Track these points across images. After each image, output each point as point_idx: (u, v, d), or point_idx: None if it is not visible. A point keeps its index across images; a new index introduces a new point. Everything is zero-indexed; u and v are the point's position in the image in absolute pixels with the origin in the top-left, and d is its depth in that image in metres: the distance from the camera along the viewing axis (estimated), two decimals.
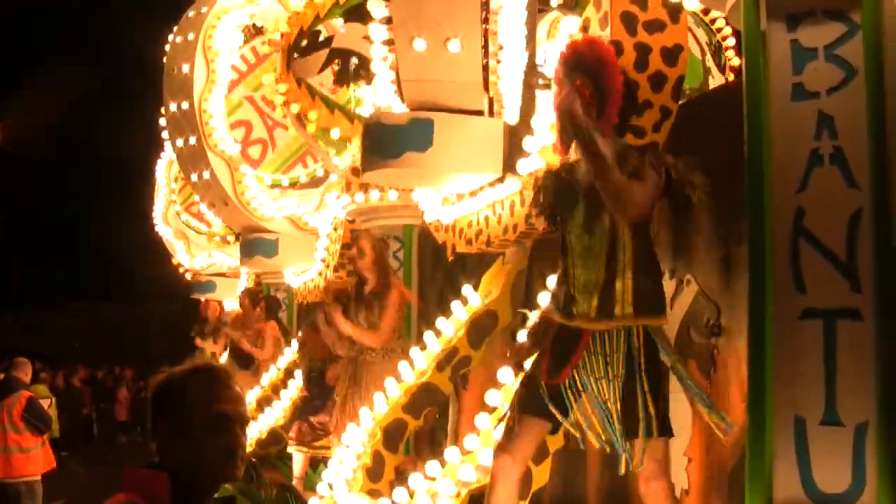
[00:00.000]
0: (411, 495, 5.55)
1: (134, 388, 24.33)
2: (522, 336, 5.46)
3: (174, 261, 15.83)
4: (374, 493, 6.54)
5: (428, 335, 7.21)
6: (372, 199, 8.63)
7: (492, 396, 5.43)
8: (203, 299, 16.63)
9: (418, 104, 6.15)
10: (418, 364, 7.04)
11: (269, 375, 11.45)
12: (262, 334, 11.76)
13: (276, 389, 11.30)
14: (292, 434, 9.14)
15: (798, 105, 4.03)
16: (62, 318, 32.33)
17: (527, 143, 5.81)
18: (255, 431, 10.02)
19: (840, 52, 3.95)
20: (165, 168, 15.61)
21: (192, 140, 10.43)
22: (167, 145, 15.64)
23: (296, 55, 8.58)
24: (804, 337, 3.88)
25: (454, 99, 6.08)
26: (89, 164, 33.03)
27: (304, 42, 8.64)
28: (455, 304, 7.17)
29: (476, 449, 5.24)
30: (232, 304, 16.00)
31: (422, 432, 7.66)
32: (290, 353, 11.63)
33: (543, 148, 5.75)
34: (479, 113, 6.22)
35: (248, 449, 10.22)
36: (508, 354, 4.64)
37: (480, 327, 6.98)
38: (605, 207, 4.41)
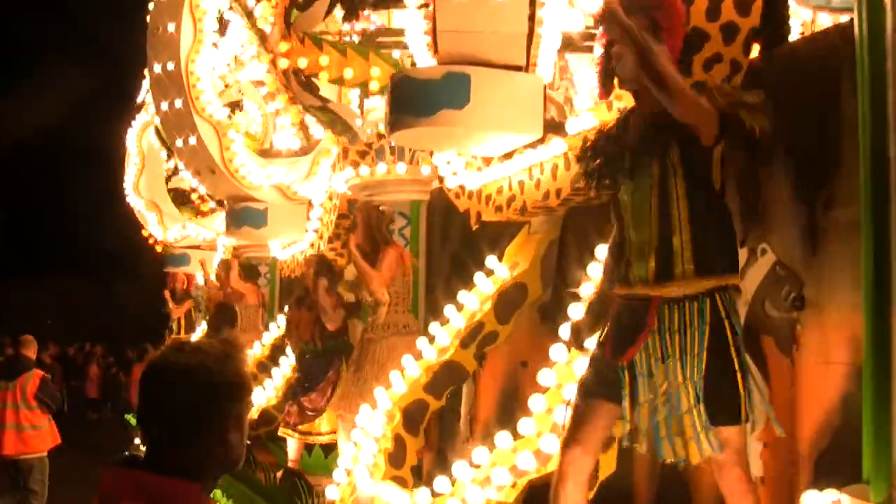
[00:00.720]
0: (453, 483, 5.07)
1: (104, 365, 23.91)
2: (575, 312, 5.02)
3: (145, 233, 15.16)
4: (398, 481, 6.08)
5: (449, 309, 6.74)
6: (378, 172, 8.13)
7: (545, 376, 4.96)
8: (171, 273, 16.08)
9: (453, 58, 5.64)
10: (439, 340, 6.57)
11: (254, 352, 10.93)
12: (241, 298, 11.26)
13: (261, 367, 10.79)
14: (284, 417, 8.61)
15: None
16: (32, 295, 31.63)
17: (578, 101, 5.33)
18: None
19: None
20: (136, 137, 14.94)
21: (178, 103, 9.81)
22: (138, 115, 15.11)
23: (295, 11, 8.06)
24: None
25: (494, 52, 5.58)
26: (57, 141, 32.14)
27: None
28: (478, 276, 6.70)
29: (530, 434, 4.77)
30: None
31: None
32: (275, 328, 11.13)
33: (596, 105, 5.28)
34: (518, 68, 5.72)
35: None
36: (569, 334, 4.13)
37: (508, 301, 6.52)
38: (653, 157, 3.94)
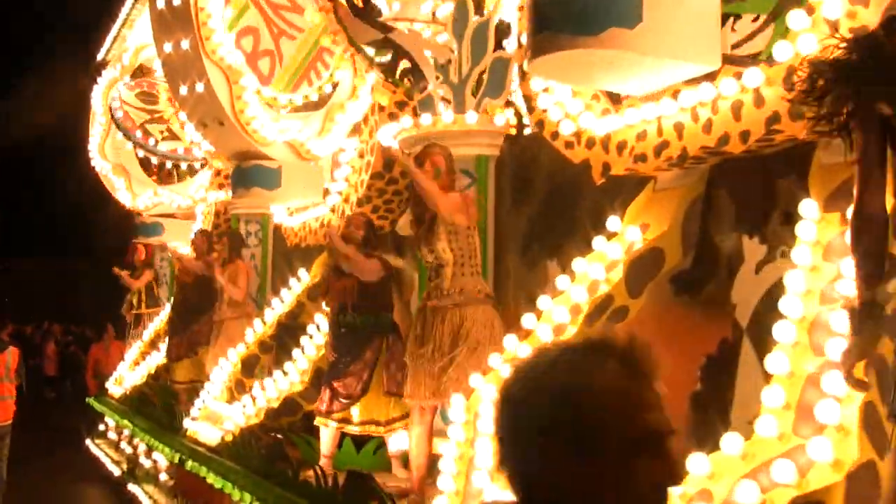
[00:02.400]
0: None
1: (63, 343, 22.89)
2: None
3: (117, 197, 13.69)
4: None
5: (562, 280, 5.64)
6: (444, 121, 6.93)
7: (776, 361, 3.89)
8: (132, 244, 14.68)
9: None
10: (555, 316, 5.46)
11: (256, 330, 9.68)
12: (231, 273, 9.98)
13: (264, 347, 9.57)
14: (317, 404, 7.40)
15: None
16: None
17: (794, 19, 4.27)
18: (263, 400, 8.27)
19: None
20: (102, 95, 13.48)
21: (185, 44, 8.48)
22: (104, 70, 13.68)
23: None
24: None
25: None
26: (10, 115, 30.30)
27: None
28: (599, 241, 5.62)
29: (770, 436, 3.71)
30: (180, 251, 14.13)
31: None
32: (279, 303, 9.90)
33: (815, 25, 4.22)
34: None
35: (256, 420, 8.48)
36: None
37: (642, 270, 5.45)
38: None
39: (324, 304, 8.28)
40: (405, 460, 7.53)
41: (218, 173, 11.92)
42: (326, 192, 9.16)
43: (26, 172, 31.16)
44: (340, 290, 7.28)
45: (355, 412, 7.32)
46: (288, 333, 9.57)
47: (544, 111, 5.89)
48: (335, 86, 9.39)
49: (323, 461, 7.35)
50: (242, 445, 7.79)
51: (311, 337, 8.41)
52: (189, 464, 8.57)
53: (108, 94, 13.38)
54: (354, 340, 7.24)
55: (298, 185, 9.19)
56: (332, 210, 9.00)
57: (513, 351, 5.50)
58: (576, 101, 5.65)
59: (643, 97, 5.20)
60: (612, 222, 5.62)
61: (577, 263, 5.61)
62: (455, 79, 7.13)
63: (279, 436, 7.82)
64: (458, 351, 6.01)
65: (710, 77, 4.79)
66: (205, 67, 8.44)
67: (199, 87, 8.58)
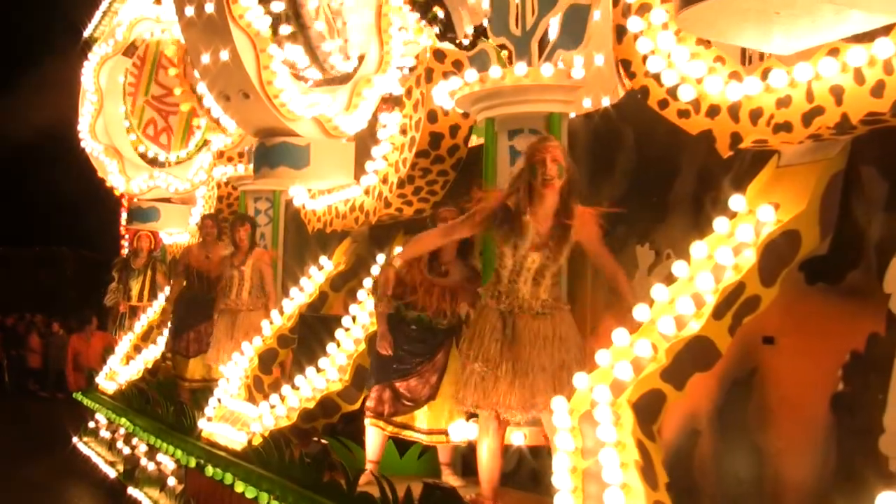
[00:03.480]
0: None
1: (46, 335, 21.98)
2: None
3: (107, 184, 12.85)
4: None
5: (679, 266, 4.98)
6: (516, 74, 6.19)
7: None
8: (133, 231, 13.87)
9: None
10: (680, 308, 4.78)
11: (275, 323, 8.95)
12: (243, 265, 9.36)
13: (284, 342, 8.84)
14: (370, 403, 6.68)
15: None
16: None
17: None
18: (294, 399, 7.52)
19: None
20: (93, 72, 12.64)
21: (209, 7, 7.68)
22: (95, 47, 12.88)
23: None
24: None
25: None
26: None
27: None
28: (720, 223, 4.95)
29: None
30: (175, 238, 13.37)
31: None
32: (298, 293, 9.18)
33: None
34: None
35: (287, 422, 7.70)
36: None
37: (777, 255, 4.78)
38: None
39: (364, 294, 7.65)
40: (456, 465, 6.86)
41: (221, 154, 11.17)
42: (360, 172, 8.43)
43: (15, 161, 30.36)
44: (438, 292, 6.55)
45: (421, 420, 6.64)
46: (308, 327, 8.86)
47: (653, 76, 5.20)
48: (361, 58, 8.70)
49: (368, 467, 6.65)
50: (276, 450, 7.04)
51: (347, 330, 7.67)
52: (210, 469, 7.80)
53: (98, 72, 12.55)
54: (427, 341, 6.54)
55: (329, 164, 8.44)
56: (367, 192, 8.26)
57: (625, 345, 4.83)
58: (695, 63, 4.97)
59: (789, 56, 4.53)
60: (736, 201, 4.95)
61: (697, 248, 4.94)
62: (517, 31, 6.43)
63: (323, 440, 7.09)
64: (553, 360, 5.35)
65: (885, 32, 4.13)
66: (231, 34, 7.66)
67: (224, 56, 7.79)
